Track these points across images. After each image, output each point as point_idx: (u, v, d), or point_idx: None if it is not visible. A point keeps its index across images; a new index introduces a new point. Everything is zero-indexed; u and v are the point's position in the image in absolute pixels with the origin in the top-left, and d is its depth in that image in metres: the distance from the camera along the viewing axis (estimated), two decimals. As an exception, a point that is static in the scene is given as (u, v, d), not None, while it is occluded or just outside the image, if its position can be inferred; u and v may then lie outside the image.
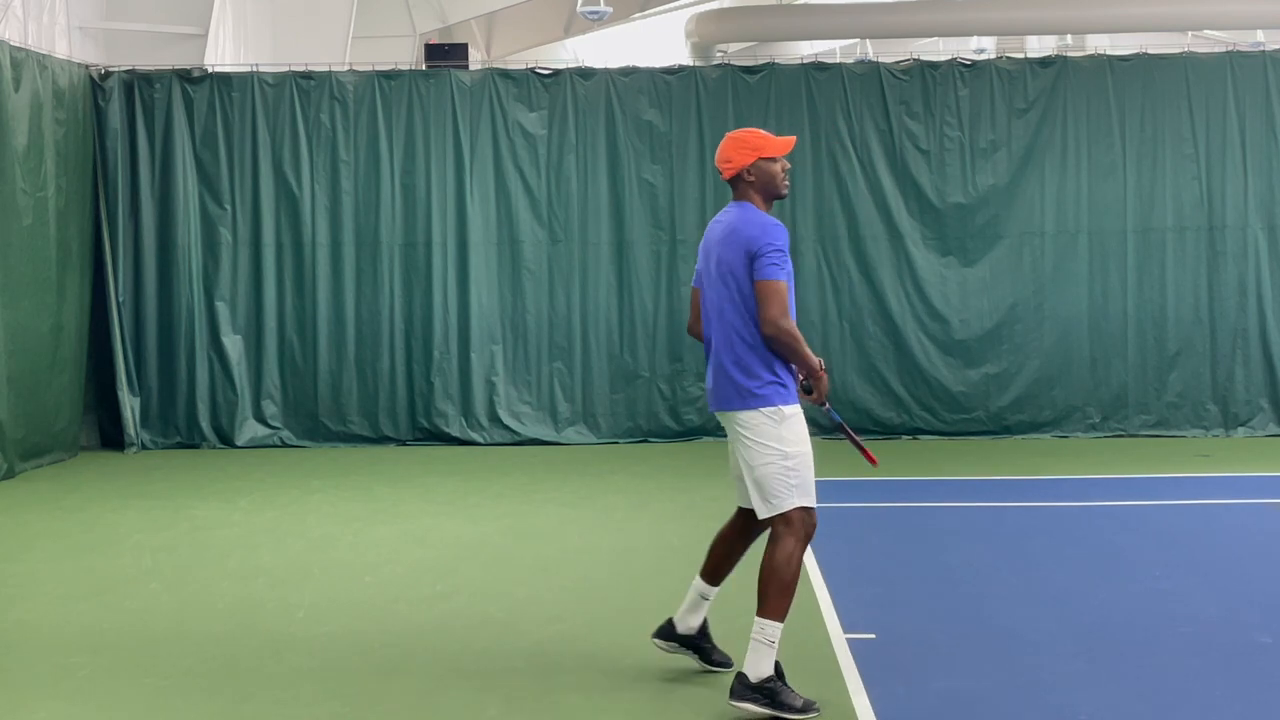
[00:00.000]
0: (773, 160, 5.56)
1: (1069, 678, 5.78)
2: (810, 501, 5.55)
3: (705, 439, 13.14)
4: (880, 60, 13.96)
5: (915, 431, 13.24)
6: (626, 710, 5.54)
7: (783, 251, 5.44)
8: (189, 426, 13.27)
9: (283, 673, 6.10)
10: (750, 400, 5.52)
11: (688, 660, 6.02)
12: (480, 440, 13.23)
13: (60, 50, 13.08)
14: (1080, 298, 13.23)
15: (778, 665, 5.42)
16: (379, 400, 13.34)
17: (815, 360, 5.54)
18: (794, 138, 5.76)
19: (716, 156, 5.68)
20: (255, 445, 13.19)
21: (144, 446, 13.12)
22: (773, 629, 5.37)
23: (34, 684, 5.99)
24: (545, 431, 13.30)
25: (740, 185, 5.61)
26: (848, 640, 6.32)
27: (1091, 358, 13.22)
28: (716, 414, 5.72)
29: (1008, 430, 13.20)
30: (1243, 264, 13.16)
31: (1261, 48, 14.56)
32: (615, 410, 13.31)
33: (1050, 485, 10.83)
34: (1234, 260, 13.16)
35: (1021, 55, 14.13)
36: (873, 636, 6.40)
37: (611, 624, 6.70)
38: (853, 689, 5.64)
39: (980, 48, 26.02)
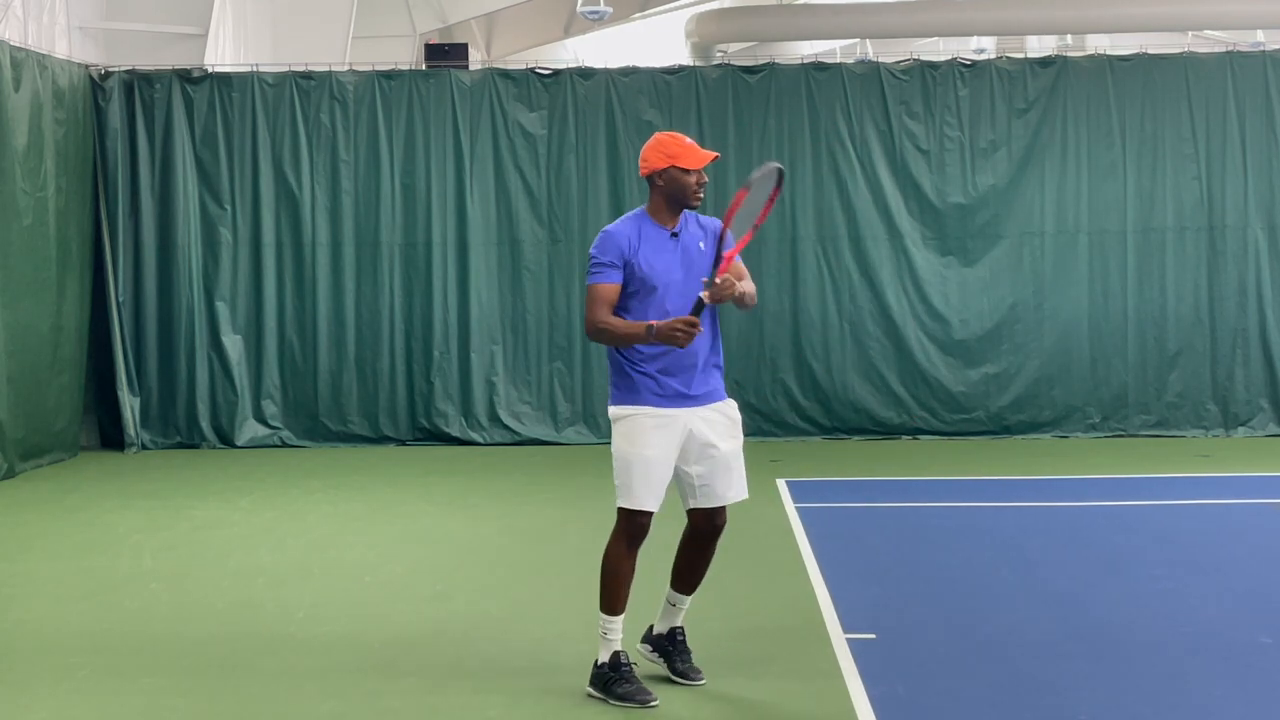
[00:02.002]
0: (686, 171, 5.61)
1: (1069, 678, 5.77)
2: (630, 504, 5.61)
3: (705, 439, 13.11)
4: (880, 60, 13.96)
5: (915, 431, 13.24)
6: (626, 710, 5.54)
7: (599, 262, 5.59)
8: (189, 426, 13.27)
9: (283, 673, 6.10)
10: (609, 399, 5.81)
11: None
12: (480, 440, 13.23)
13: (60, 50, 13.08)
14: (1080, 298, 13.23)
15: (615, 656, 5.57)
16: (379, 400, 13.34)
17: (641, 329, 5.49)
18: (715, 154, 5.74)
19: (640, 154, 5.76)
20: (255, 445, 13.19)
21: (144, 446, 13.12)
22: (604, 622, 5.60)
23: (34, 684, 5.99)
24: (545, 431, 13.30)
25: (651, 187, 5.69)
26: (848, 640, 6.31)
27: (1091, 358, 13.22)
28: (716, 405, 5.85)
29: (1008, 430, 13.20)
30: (1243, 264, 13.16)
31: (1261, 48, 14.56)
32: (615, 410, 13.29)
33: (1050, 485, 10.83)
34: (1234, 260, 13.16)
35: (1021, 55, 14.13)
36: (873, 636, 6.40)
37: (611, 624, 6.69)
38: (853, 689, 5.63)
39: (980, 48, 26.00)
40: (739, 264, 5.71)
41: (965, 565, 7.95)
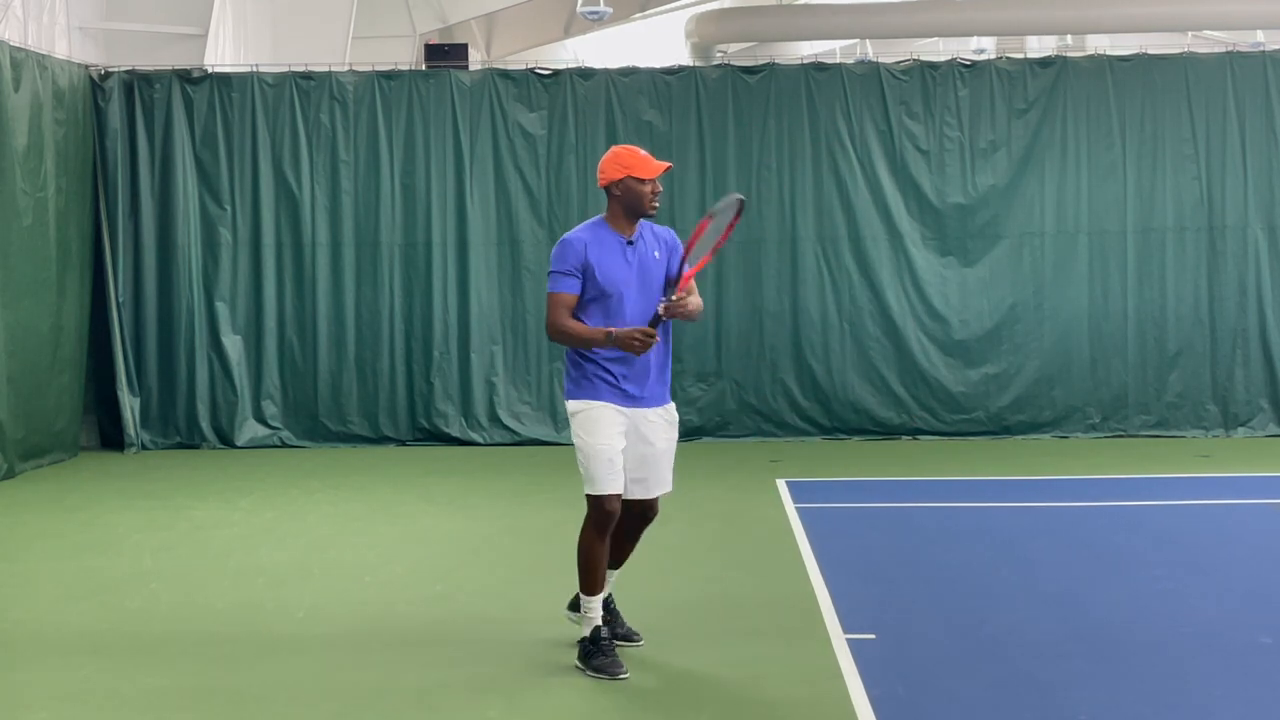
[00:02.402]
0: (641, 181, 5.97)
1: (1069, 678, 5.77)
2: (597, 490, 5.91)
3: (705, 439, 13.15)
4: (880, 60, 13.96)
5: (915, 432, 13.24)
6: (626, 710, 5.55)
7: (558, 270, 5.95)
8: (189, 427, 13.27)
9: (283, 673, 6.10)
10: (565, 394, 6.14)
11: (687, 661, 6.03)
12: (480, 440, 13.23)
13: (60, 50, 13.08)
14: (1080, 298, 13.23)
15: (596, 630, 5.94)
16: (379, 400, 13.34)
17: (601, 334, 5.86)
18: (668, 164, 6.14)
19: (598, 166, 6.12)
20: (255, 445, 13.19)
21: (144, 447, 13.12)
22: (585, 601, 5.98)
23: (34, 684, 5.99)
24: (545, 431, 13.30)
25: (609, 197, 6.05)
26: (848, 640, 6.31)
27: (1091, 358, 13.22)
28: (665, 407, 6.20)
29: (1008, 431, 13.20)
30: (1243, 264, 13.16)
31: (1261, 48, 14.57)
32: (615, 410, 13.29)
33: (1050, 485, 10.83)
34: (1234, 260, 13.16)
35: (1021, 55, 14.14)
36: (873, 636, 6.40)
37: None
38: (853, 689, 5.63)
39: (980, 48, 26.01)
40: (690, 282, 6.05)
41: (965, 565, 7.95)
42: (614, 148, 6.15)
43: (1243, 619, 6.64)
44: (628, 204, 5.99)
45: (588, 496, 5.96)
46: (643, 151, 6.08)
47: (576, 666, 5.97)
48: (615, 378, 5.94)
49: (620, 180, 5.97)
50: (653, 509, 6.19)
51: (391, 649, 6.41)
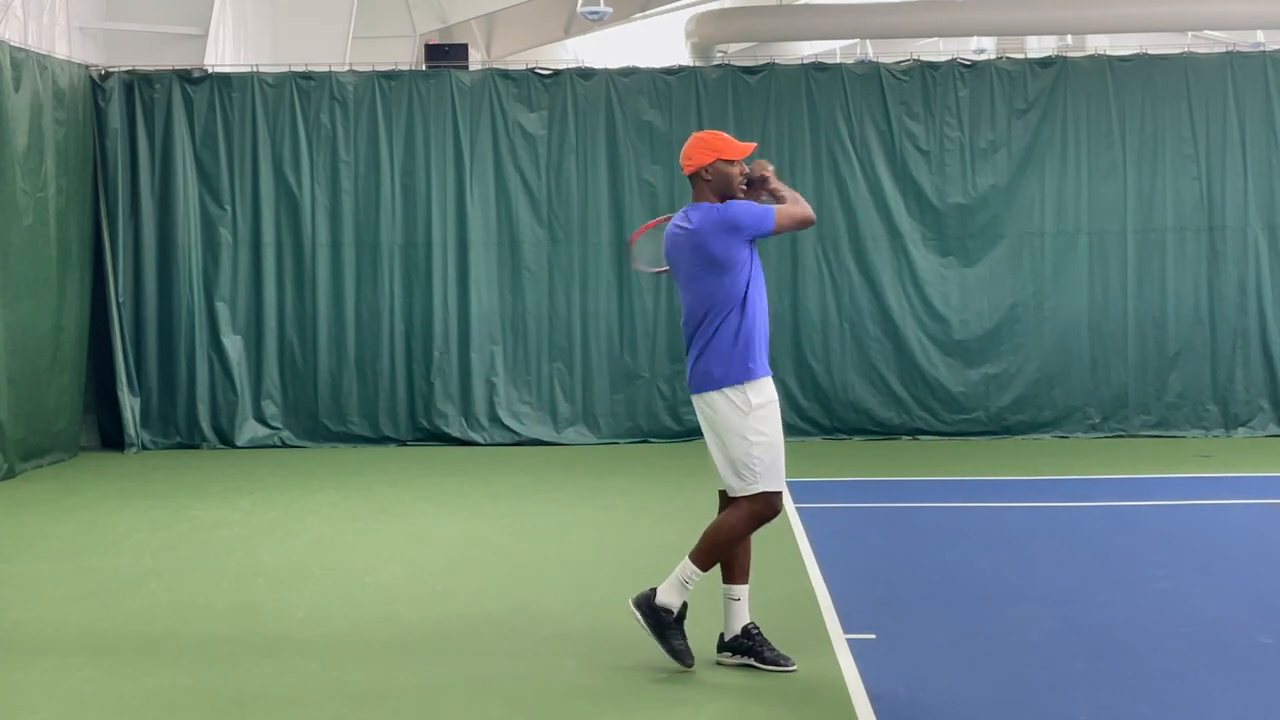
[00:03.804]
0: (730, 163, 5.95)
1: (1069, 678, 5.77)
2: (777, 485, 5.86)
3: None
4: (880, 60, 13.96)
5: (915, 432, 13.23)
6: (626, 710, 5.55)
7: (759, 211, 5.88)
8: (189, 427, 13.27)
9: (283, 673, 6.10)
10: (728, 379, 5.85)
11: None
12: (480, 440, 13.23)
13: (60, 50, 13.08)
14: (1080, 298, 13.23)
15: (684, 607, 5.87)
16: (379, 400, 13.34)
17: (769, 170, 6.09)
18: (754, 144, 6.13)
19: (681, 154, 6.06)
20: (255, 445, 13.19)
21: (144, 447, 13.12)
22: (693, 572, 5.86)
23: (34, 684, 5.99)
24: (545, 431, 13.30)
25: (698, 183, 5.99)
26: (848, 640, 6.31)
27: (1091, 358, 13.22)
28: (692, 396, 6.06)
29: (1008, 431, 13.20)
30: (1243, 264, 13.16)
31: (1261, 48, 14.58)
32: (615, 410, 13.30)
33: (1050, 485, 10.83)
34: (1234, 261, 13.16)
35: (1021, 55, 14.13)
36: (873, 636, 6.40)
37: (612, 624, 6.68)
38: (853, 689, 5.63)
39: (980, 48, 26.02)
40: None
41: (965, 565, 7.95)
42: (697, 133, 6.10)
43: (1243, 619, 6.64)
44: (719, 187, 5.94)
45: (760, 494, 5.81)
46: (726, 134, 6.08)
47: (637, 618, 5.87)
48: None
49: (711, 164, 5.92)
50: None
51: (391, 649, 6.41)
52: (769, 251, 13.23)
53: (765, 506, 5.85)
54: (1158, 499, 10.21)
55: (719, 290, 5.83)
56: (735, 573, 6.00)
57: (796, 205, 5.95)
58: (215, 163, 13.31)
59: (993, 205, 13.26)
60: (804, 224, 5.97)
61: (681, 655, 5.86)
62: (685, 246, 5.89)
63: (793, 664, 5.88)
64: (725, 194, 5.94)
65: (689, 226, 5.88)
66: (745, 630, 5.98)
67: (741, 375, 5.82)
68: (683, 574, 5.86)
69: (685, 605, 5.96)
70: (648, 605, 5.87)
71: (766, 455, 5.80)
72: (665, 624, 5.85)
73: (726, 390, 5.85)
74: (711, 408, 5.92)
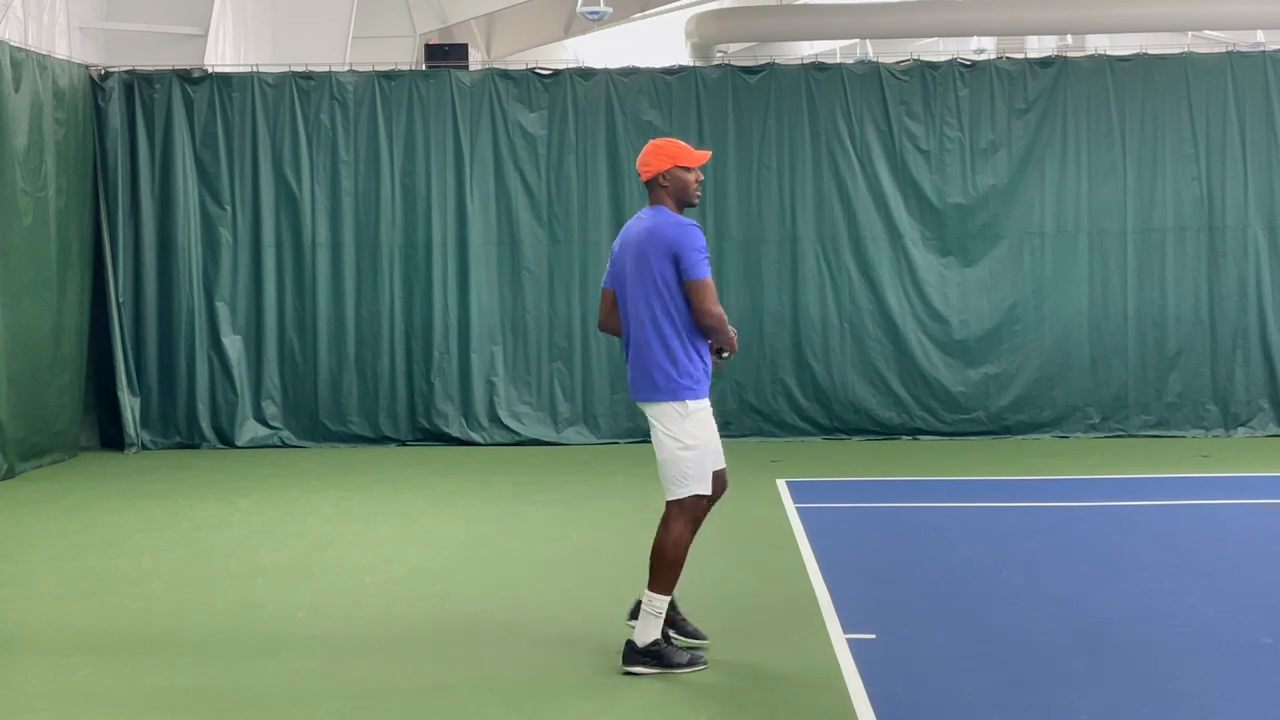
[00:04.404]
0: (687, 170, 6.02)
1: (1069, 678, 5.77)
2: (704, 489, 5.96)
3: (705, 439, 13.13)
4: (880, 60, 13.96)
5: (915, 432, 13.24)
6: (626, 710, 5.55)
7: (703, 255, 5.88)
8: (189, 426, 13.27)
9: (283, 673, 6.10)
10: (668, 394, 5.94)
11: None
12: (480, 440, 13.23)
13: (60, 50, 13.08)
14: (1080, 298, 13.23)
15: (665, 630, 5.97)
16: (379, 400, 13.34)
17: (732, 332, 6.01)
18: (709, 152, 6.25)
19: (638, 160, 6.11)
20: (255, 445, 13.19)
21: (144, 446, 13.12)
22: (660, 601, 5.91)
23: (34, 684, 5.99)
24: (545, 431, 13.30)
25: (655, 190, 6.06)
26: (848, 640, 6.31)
27: (1091, 358, 13.22)
28: (636, 403, 6.16)
29: (1008, 431, 13.20)
30: (1243, 264, 13.16)
31: (1261, 48, 14.57)
32: (615, 410, 13.30)
33: (1050, 485, 10.83)
34: (1234, 260, 13.16)
35: (1021, 55, 14.13)
36: (873, 636, 6.40)
37: (611, 624, 6.68)
38: (853, 689, 5.63)
39: (980, 48, 26.02)
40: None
41: (965, 565, 7.94)
42: (654, 140, 6.15)
43: (1243, 619, 6.64)
44: (675, 194, 6.02)
45: (689, 498, 5.92)
46: (682, 141, 6.15)
47: (633, 672, 5.88)
48: (708, 368, 6.03)
49: (668, 170, 5.98)
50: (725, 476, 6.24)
51: (391, 649, 6.41)
52: (769, 250, 13.26)
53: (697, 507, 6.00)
54: (1158, 499, 10.21)
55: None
56: None
57: (712, 312, 5.89)
58: (215, 163, 13.31)
59: (993, 205, 13.26)
60: (707, 316, 5.87)
61: (694, 664, 5.96)
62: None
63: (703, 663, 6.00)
64: (682, 199, 6.03)
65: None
66: (671, 602, 6.13)
67: None
68: (649, 607, 5.93)
69: (672, 608, 6.12)
70: (638, 655, 5.92)
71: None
72: (663, 656, 5.93)
73: None
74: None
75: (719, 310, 5.89)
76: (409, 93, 13.35)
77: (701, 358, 5.96)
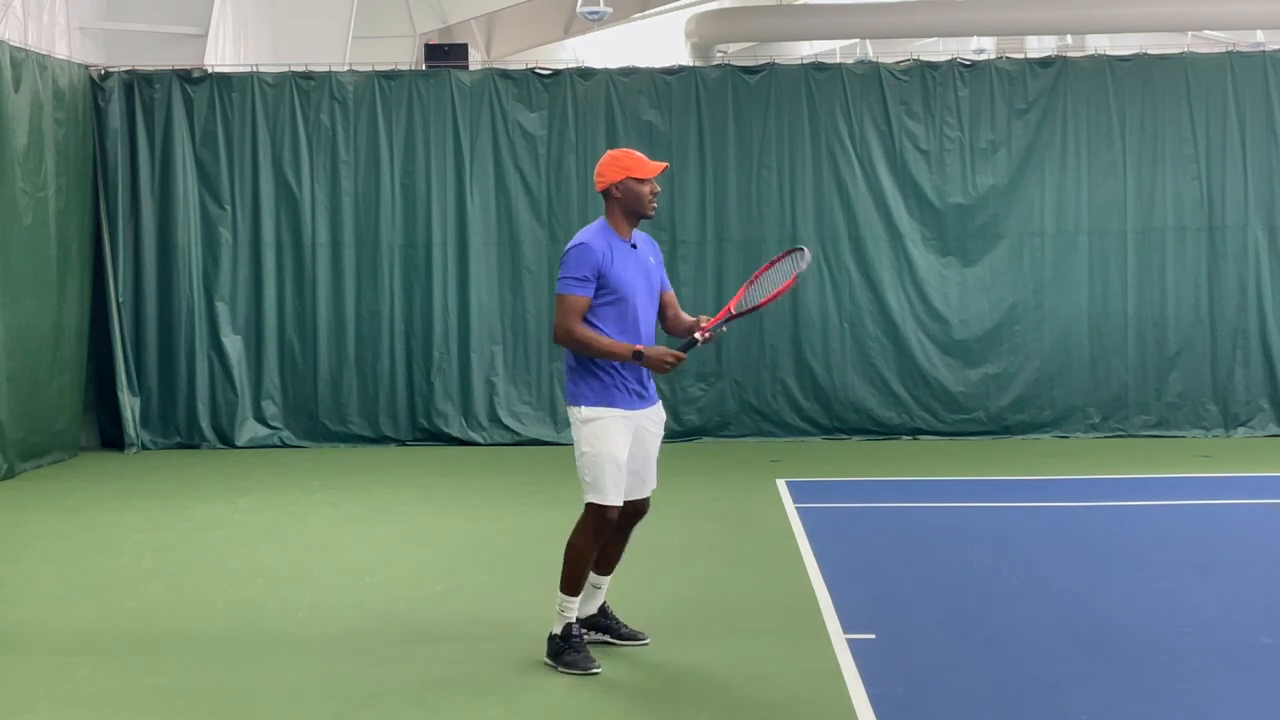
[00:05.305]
0: (641, 182, 6.01)
1: (1069, 678, 5.77)
2: (602, 500, 5.93)
3: (704, 439, 13.15)
4: (880, 60, 13.95)
5: (915, 431, 13.23)
6: (626, 710, 5.55)
7: (574, 276, 5.87)
8: (189, 426, 13.27)
9: (283, 673, 6.10)
10: (569, 399, 6.06)
11: (687, 661, 6.03)
12: (480, 440, 13.23)
13: (60, 50, 13.08)
14: (1080, 298, 13.23)
15: (568, 628, 6.00)
16: (379, 400, 13.34)
17: (627, 351, 5.87)
18: (665, 164, 6.19)
19: (595, 170, 6.14)
20: (255, 445, 13.19)
21: (144, 446, 13.12)
22: (565, 600, 6.01)
23: (34, 684, 5.99)
24: (545, 431, 13.29)
25: (608, 201, 6.09)
26: (848, 640, 6.31)
27: (1091, 358, 13.22)
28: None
29: (1008, 430, 13.20)
30: (1243, 264, 13.16)
31: (1261, 48, 14.57)
32: (615, 410, 13.27)
33: (1050, 485, 10.83)
34: (1234, 260, 13.16)
35: (1021, 55, 14.13)
36: (873, 636, 6.40)
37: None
38: (853, 689, 5.63)
39: (980, 48, 26.01)
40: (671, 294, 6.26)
41: (965, 565, 7.95)
42: (610, 151, 6.19)
43: (1243, 619, 6.64)
44: (628, 206, 6.02)
45: (590, 505, 5.97)
46: (638, 153, 6.15)
47: (546, 663, 6.04)
48: (626, 382, 5.96)
49: (620, 182, 6.01)
50: (647, 505, 6.27)
51: (391, 649, 6.41)
52: (769, 250, 13.23)
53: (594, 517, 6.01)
54: (1158, 499, 10.21)
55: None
56: (601, 566, 6.23)
57: (560, 326, 5.90)
58: (215, 163, 13.31)
59: (993, 205, 13.26)
60: (556, 330, 5.94)
61: (578, 664, 5.94)
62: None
63: (596, 667, 5.97)
64: (634, 210, 6.03)
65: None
66: (601, 609, 6.33)
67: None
68: (557, 604, 6.06)
69: (603, 615, 6.29)
70: (550, 651, 6.05)
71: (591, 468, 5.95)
72: (559, 654, 5.99)
73: None
74: (663, 418, 6.31)
75: (567, 326, 5.84)
76: (409, 93, 13.35)
77: (610, 369, 5.91)
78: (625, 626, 6.37)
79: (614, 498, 5.93)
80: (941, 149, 13.26)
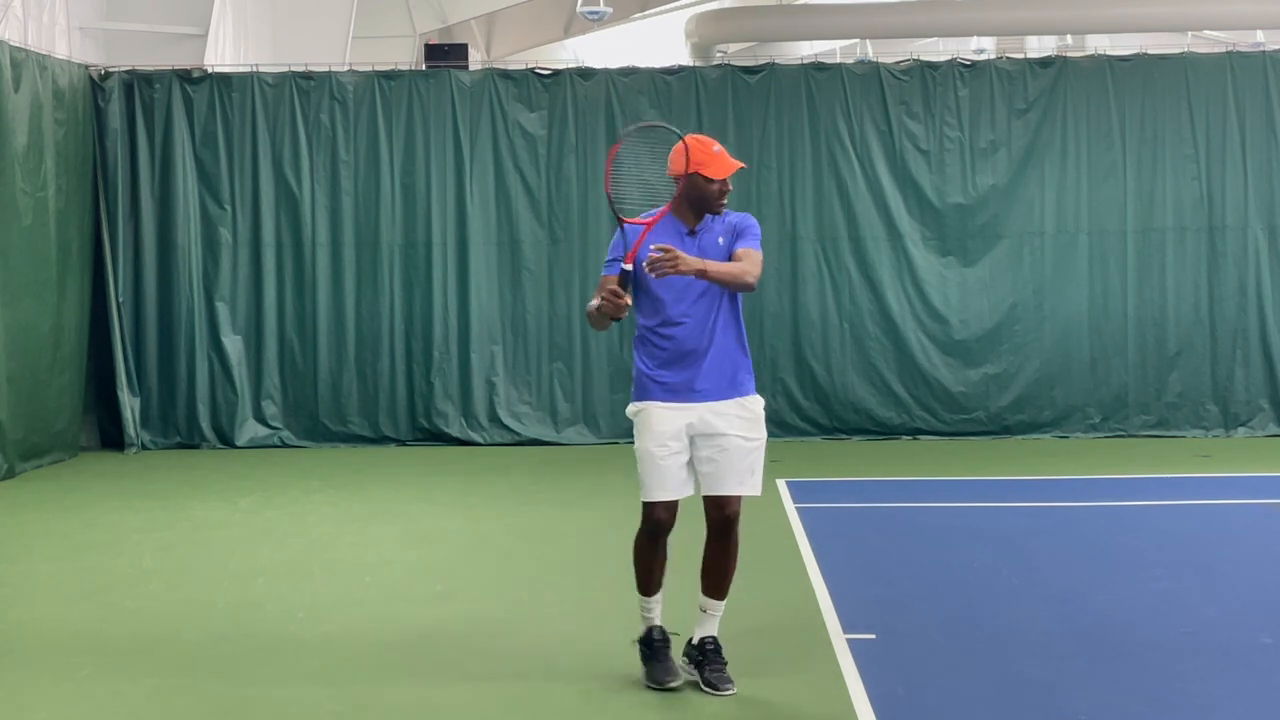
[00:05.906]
0: (710, 180, 5.68)
1: (1069, 678, 5.77)
2: (644, 496, 5.77)
3: (705, 439, 13.14)
4: (880, 60, 13.95)
5: (915, 432, 13.23)
6: (626, 711, 5.54)
7: (611, 253, 5.78)
8: (189, 426, 13.27)
9: (283, 673, 6.10)
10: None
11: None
12: (480, 440, 13.23)
13: (60, 50, 13.07)
14: (1080, 298, 13.23)
15: (649, 634, 5.83)
16: (379, 400, 13.34)
17: (590, 308, 5.69)
18: (741, 164, 5.80)
19: (671, 150, 5.76)
20: (255, 445, 13.19)
21: (144, 446, 13.12)
22: (639, 601, 5.89)
23: (34, 684, 5.99)
24: (545, 431, 13.29)
25: (676, 184, 5.73)
26: (848, 640, 6.31)
27: (1091, 358, 13.22)
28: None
29: (1008, 430, 13.19)
30: (1243, 264, 13.16)
31: (1261, 48, 14.56)
32: (615, 410, 13.28)
33: (1050, 485, 10.83)
34: (1234, 260, 13.16)
35: (1021, 55, 14.13)
36: (873, 636, 6.40)
37: (611, 624, 6.69)
38: (853, 689, 5.63)
39: (980, 48, 26.01)
40: (740, 249, 5.78)
41: (965, 565, 7.94)
42: (689, 137, 5.72)
43: (1243, 619, 6.64)
44: (691, 198, 5.70)
45: (643, 504, 5.78)
46: (717, 147, 5.73)
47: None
48: (663, 378, 5.73)
49: (689, 175, 5.65)
50: (730, 507, 5.78)
51: (391, 649, 6.41)
52: (769, 251, 13.19)
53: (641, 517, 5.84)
54: (1158, 499, 10.21)
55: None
56: (705, 583, 5.92)
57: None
58: (215, 163, 13.31)
59: (993, 205, 13.26)
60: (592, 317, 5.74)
61: (651, 676, 5.77)
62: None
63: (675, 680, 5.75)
64: (701, 207, 5.75)
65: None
66: (700, 644, 5.85)
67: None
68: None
69: (699, 650, 5.84)
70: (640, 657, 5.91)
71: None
72: (641, 656, 5.88)
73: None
74: (751, 414, 6.13)
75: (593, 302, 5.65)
76: (409, 93, 13.35)
77: (643, 361, 5.77)
78: (716, 671, 5.73)
79: (654, 493, 5.69)
80: (941, 149, 13.26)
